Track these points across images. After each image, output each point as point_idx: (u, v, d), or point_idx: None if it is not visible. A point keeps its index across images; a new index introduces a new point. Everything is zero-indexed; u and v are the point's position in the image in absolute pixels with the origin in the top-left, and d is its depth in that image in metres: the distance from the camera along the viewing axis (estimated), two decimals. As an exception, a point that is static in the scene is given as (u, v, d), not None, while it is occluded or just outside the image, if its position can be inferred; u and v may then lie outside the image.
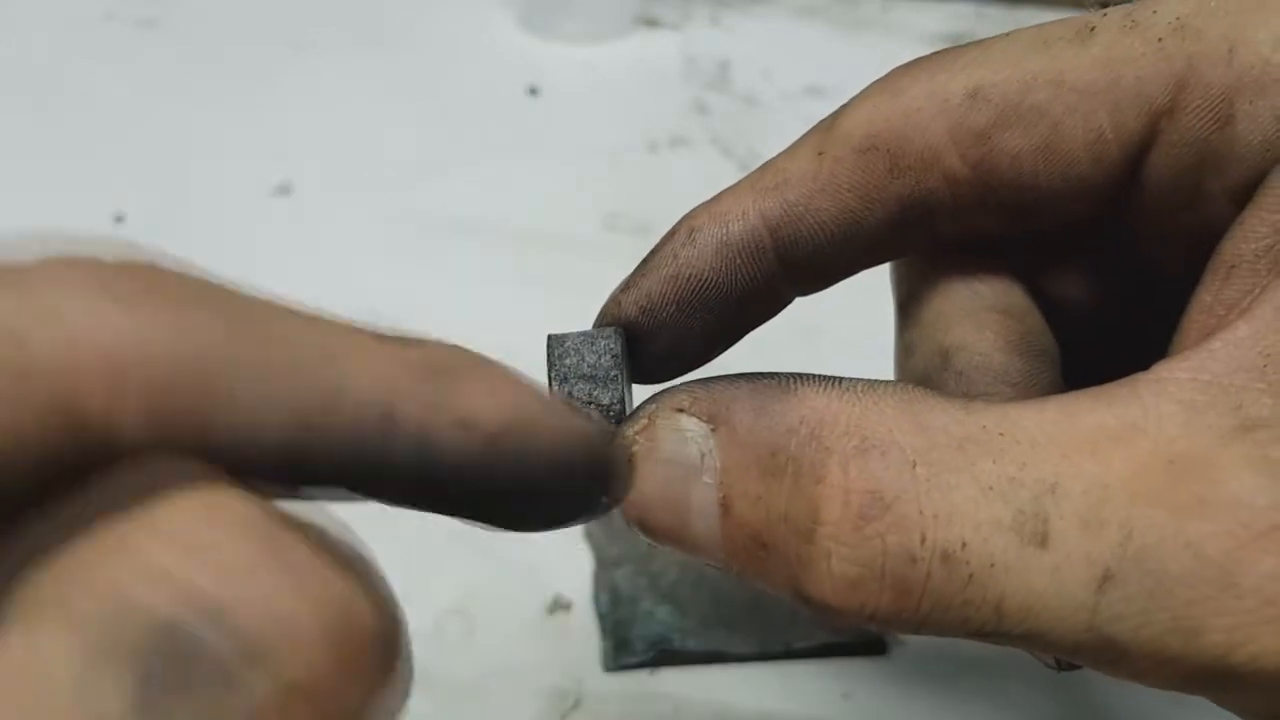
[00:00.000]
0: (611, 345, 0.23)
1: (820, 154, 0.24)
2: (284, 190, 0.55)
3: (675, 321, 0.24)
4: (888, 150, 0.23)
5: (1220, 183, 0.23)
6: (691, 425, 0.20)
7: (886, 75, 0.24)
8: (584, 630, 0.37)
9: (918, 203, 0.24)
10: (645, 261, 0.25)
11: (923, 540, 0.18)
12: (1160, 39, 0.22)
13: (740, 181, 0.25)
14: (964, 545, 0.18)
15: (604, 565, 0.38)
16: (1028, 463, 0.18)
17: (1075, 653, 0.19)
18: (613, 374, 0.23)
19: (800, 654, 0.36)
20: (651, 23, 0.68)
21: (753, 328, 0.26)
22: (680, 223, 0.25)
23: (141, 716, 0.12)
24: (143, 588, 0.12)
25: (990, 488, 0.18)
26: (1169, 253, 0.25)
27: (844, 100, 0.25)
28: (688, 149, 0.59)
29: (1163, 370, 0.19)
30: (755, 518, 0.19)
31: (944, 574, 0.18)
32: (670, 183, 0.57)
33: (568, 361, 0.23)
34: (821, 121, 0.25)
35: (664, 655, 0.36)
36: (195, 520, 0.13)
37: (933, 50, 0.25)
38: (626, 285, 0.25)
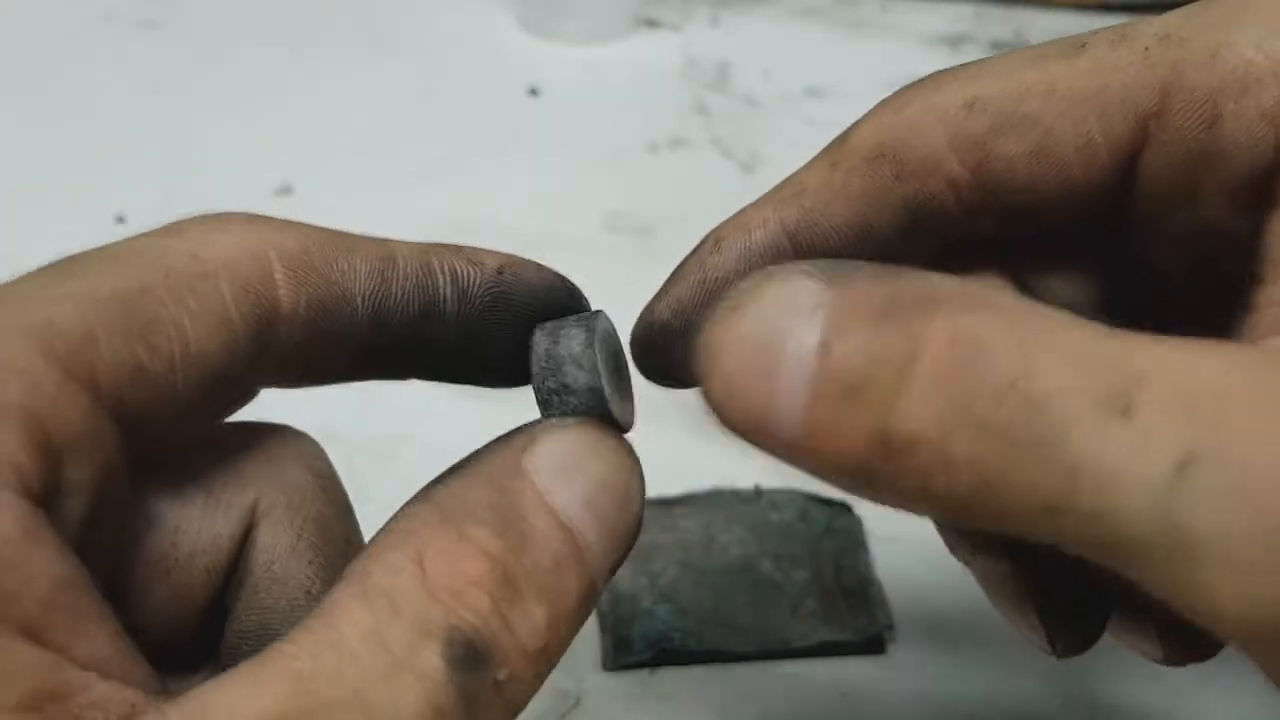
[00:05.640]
0: (591, 325, 0.24)
1: (833, 165, 0.26)
2: (285, 191, 0.55)
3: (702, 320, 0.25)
4: (893, 157, 0.25)
5: (1214, 181, 0.24)
6: (806, 282, 0.20)
7: (891, 95, 0.26)
8: (584, 630, 0.37)
9: (923, 206, 0.26)
10: (675, 272, 0.27)
11: (1013, 385, 0.18)
12: (1146, 48, 0.24)
13: (761, 196, 0.27)
14: (1048, 398, 0.18)
15: (604, 565, 0.39)
16: (1124, 353, 0.18)
17: (1140, 547, 0.18)
18: (588, 354, 0.23)
19: (799, 653, 0.37)
20: (651, 23, 0.68)
21: None
22: (707, 235, 0.27)
23: (451, 673, 0.19)
24: (447, 601, 0.20)
25: (1082, 357, 0.18)
26: (1169, 253, 0.26)
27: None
28: (688, 149, 0.59)
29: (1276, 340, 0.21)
30: (855, 357, 0.19)
31: (1024, 421, 0.18)
32: (670, 183, 0.57)
33: (545, 347, 0.24)
34: (834, 139, 0.27)
35: (664, 654, 0.36)
36: (466, 560, 0.21)
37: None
38: (659, 295, 0.27)
